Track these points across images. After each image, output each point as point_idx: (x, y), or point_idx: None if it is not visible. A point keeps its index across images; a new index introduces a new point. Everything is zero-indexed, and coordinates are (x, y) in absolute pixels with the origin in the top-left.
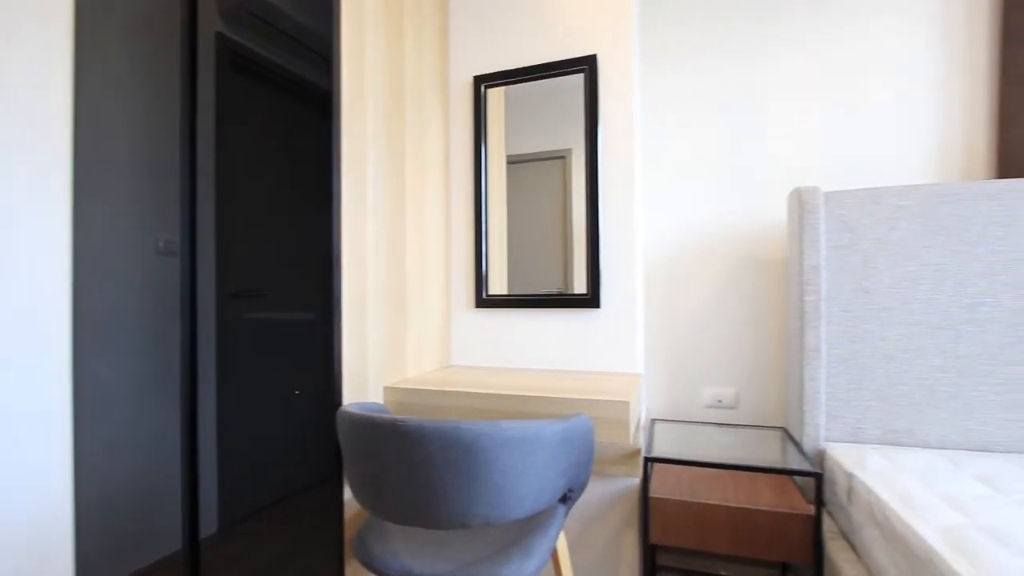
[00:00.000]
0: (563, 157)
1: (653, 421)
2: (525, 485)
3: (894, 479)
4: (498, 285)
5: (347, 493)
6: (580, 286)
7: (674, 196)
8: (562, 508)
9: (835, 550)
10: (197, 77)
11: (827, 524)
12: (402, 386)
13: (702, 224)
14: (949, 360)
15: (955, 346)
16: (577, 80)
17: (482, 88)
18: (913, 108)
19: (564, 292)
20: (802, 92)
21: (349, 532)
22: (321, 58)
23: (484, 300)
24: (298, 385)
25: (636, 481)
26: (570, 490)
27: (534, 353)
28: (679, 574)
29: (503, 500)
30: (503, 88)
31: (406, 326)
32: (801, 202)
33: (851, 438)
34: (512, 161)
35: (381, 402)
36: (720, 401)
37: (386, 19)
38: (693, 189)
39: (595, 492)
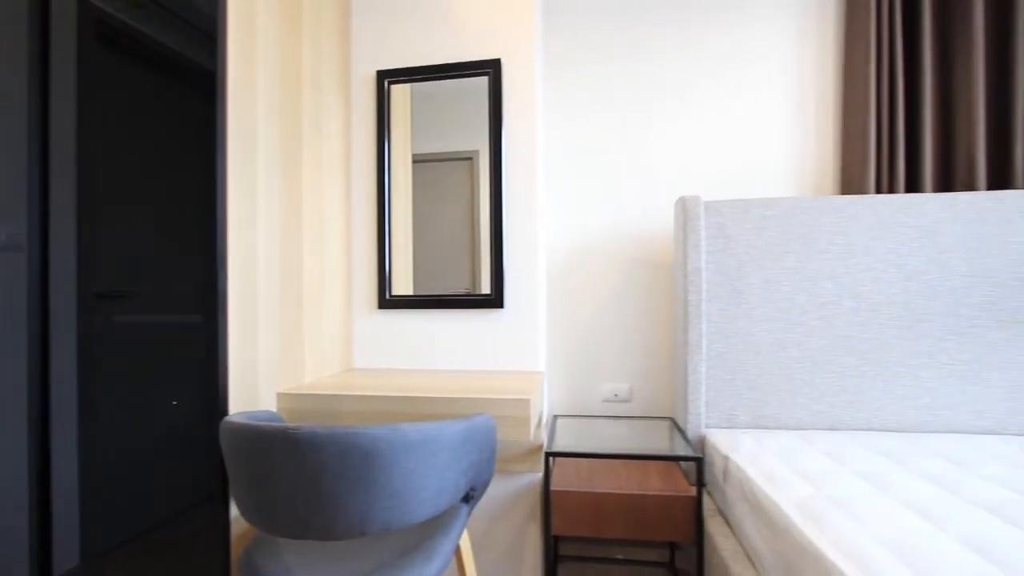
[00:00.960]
0: (470, 158)
1: (555, 417)
2: (427, 488)
3: (760, 459)
4: (402, 285)
5: (234, 510)
6: (487, 286)
7: (575, 200)
8: (465, 508)
9: (713, 526)
10: (50, 45)
11: (707, 503)
12: (297, 392)
13: (601, 227)
14: (804, 352)
15: (808, 339)
16: (482, 82)
17: (386, 83)
18: (778, 132)
19: (472, 292)
20: (688, 111)
21: (236, 552)
22: (204, 35)
23: (388, 301)
24: (177, 395)
25: (539, 476)
26: (472, 489)
27: (439, 354)
28: (579, 561)
29: (404, 504)
30: (409, 85)
31: (303, 328)
32: (685, 210)
33: (727, 424)
34: (418, 160)
35: (274, 410)
36: (616, 395)
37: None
38: (593, 193)
39: (499, 489)
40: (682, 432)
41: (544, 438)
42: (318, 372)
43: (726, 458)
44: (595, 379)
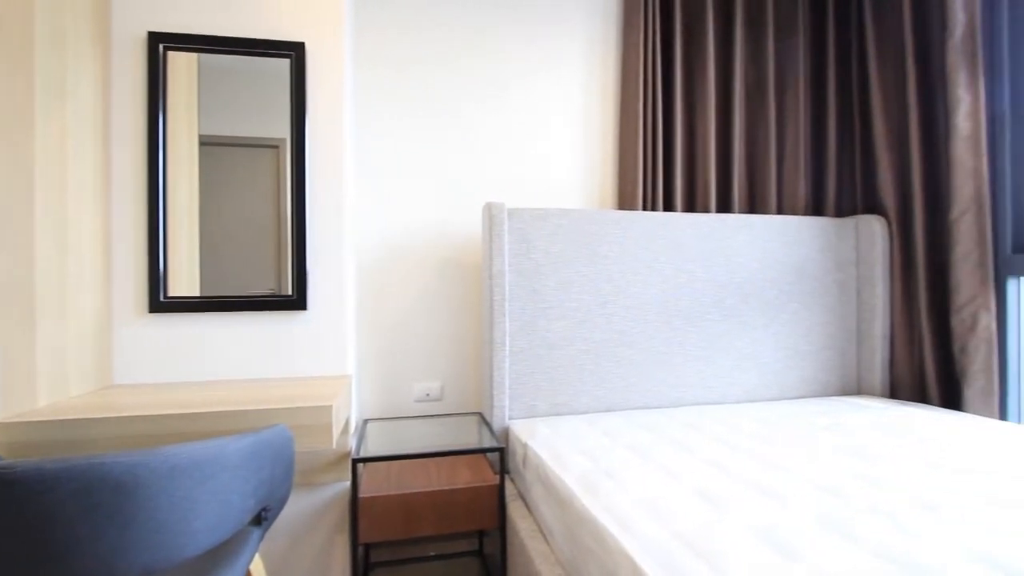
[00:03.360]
0: (276, 147)
1: (366, 422)
2: (202, 516)
3: (553, 442)
4: (184, 285)
5: None
6: (290, 287)
7: (387, 198)
8: (256, 531)
9: (514, 509)
10: None
11: (510, 489)
12: (23, 420)
13: (414, 227)
14: (589, 345)
15: (592, 335)
16: (284, 65)
17: (161, 49)
18: (574, 149)
19: (278, 294)
20: (499, 118)
21: None
22: None
23: (163, 303)
24: None
25: (347, 484)
26: (265, 509)
27: (231, 363)
28: (392, 566)
29: (172, 539)
30: (196, 56)
31: (35, 340)
32: (491, 215)
33: (528, 414)
34: (210, 143)
35: None
36: (428, 395)
37: None
38: (405, 192)
39: (302, 504)
40: (488, 425)
41: (352, 444)
42: (59, 393)
43: (525, 445)
44: (407, 379)
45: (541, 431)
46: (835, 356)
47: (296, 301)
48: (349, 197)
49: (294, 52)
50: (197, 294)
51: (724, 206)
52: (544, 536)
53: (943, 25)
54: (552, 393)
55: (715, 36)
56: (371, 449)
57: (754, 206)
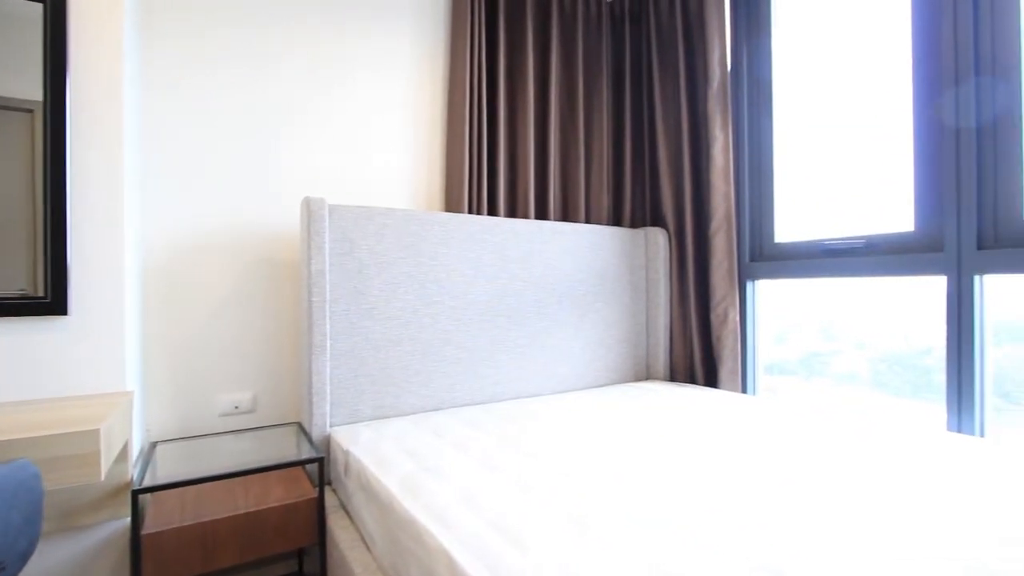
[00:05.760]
0: (31, 111)
1: (154, 445)
2: None
3: (376, 446)
4: None
5: None
6: (43, 287)
7: (189, 186)
8: None
9: (335, 521)
10: None
11: (332, 500)
12: None
13: (222, 220)
14: (416, 345)
15: (419, 334)
16: (36, 11)
17: None
18: (402, 152)
19: (30, 295)
20: (326, 114)
21: None
22: None
23: None
24: None
25: (127, 521)
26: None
27: None
28: None
29: None
30: None
31: None
32: (310, 211)
33: (352, 419)
34: None
35: None
36: (237, 407)
37: None
38: (214, 181)
39: (65, 553)
40: (308, 435)
41: (133, 473)
42: None
43: (347, 452)
44: (211, 392)
45: (364, 436)
46: (630, 348)
47: (50, 304)
48: (131, 179)
49: None
50: None
51: (542, 213)
52: (367, 545)
53: (705, 76)
54: (378, 396)
55: (534, 57)
56: (160, 476)
57: (567, 214)
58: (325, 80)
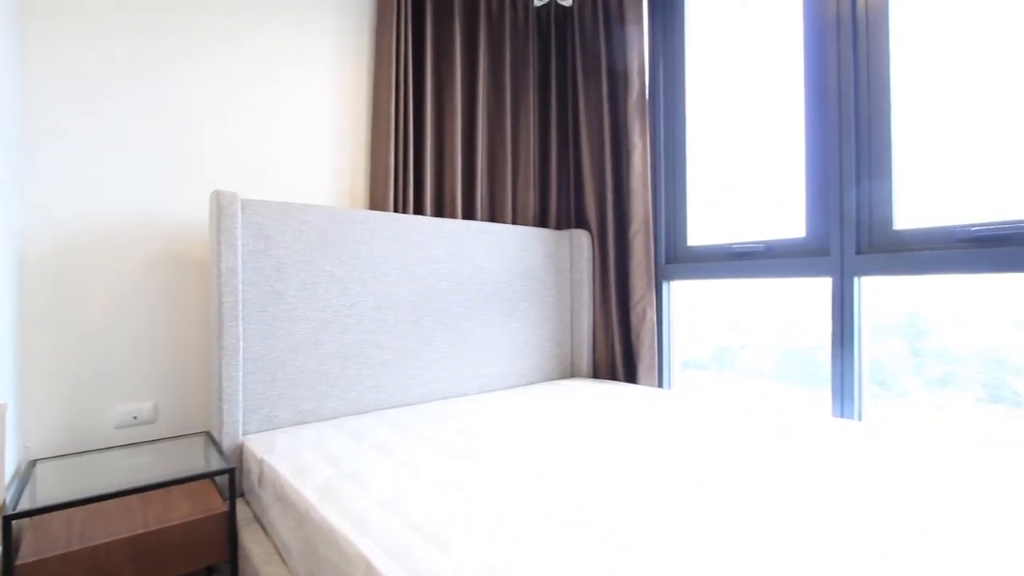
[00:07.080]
0: None
1: (33, 463)
2: None
3: (294, 453)
4: None
5: None
6: None
7: (81, 174)
8: None
9: (248, 534)
10: None
11: (245, 513)
12: None
13: (119, 212)
14: (338, 347)
15: (342, 336)
16: None
17: None
18: (324, 147)
19: None
20: (242, 103)
21: None
22: None
23: None
24: None
25: None
26: None
27: None
28: None
29: None
30: None
31: None
32: (220, 205)
33: (268, 426)
34: None
35: None
36: (136, 417)
37: None
38: (110, 169)
39: None
40: (218, 445)
41: (6, 497)
42: None
43: (261, 461)
44: (105, 402)
45: (281, 443)
46: (555, 346)
47: None
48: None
49: None
50: None
51: (469, 213)
52: (282, 558)
53: (625, 85)
54: (297, 400)
55: (462, 58)
56: (40, 498)
57: (495, 215)
58: (246, 74)
